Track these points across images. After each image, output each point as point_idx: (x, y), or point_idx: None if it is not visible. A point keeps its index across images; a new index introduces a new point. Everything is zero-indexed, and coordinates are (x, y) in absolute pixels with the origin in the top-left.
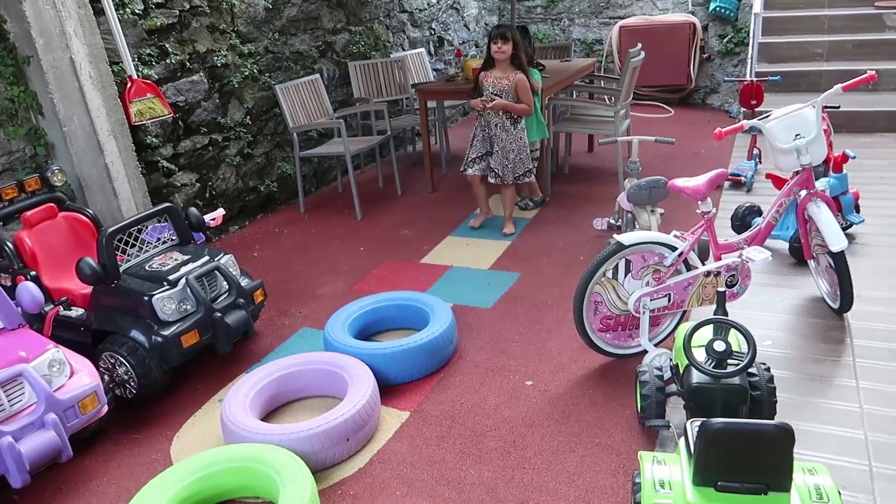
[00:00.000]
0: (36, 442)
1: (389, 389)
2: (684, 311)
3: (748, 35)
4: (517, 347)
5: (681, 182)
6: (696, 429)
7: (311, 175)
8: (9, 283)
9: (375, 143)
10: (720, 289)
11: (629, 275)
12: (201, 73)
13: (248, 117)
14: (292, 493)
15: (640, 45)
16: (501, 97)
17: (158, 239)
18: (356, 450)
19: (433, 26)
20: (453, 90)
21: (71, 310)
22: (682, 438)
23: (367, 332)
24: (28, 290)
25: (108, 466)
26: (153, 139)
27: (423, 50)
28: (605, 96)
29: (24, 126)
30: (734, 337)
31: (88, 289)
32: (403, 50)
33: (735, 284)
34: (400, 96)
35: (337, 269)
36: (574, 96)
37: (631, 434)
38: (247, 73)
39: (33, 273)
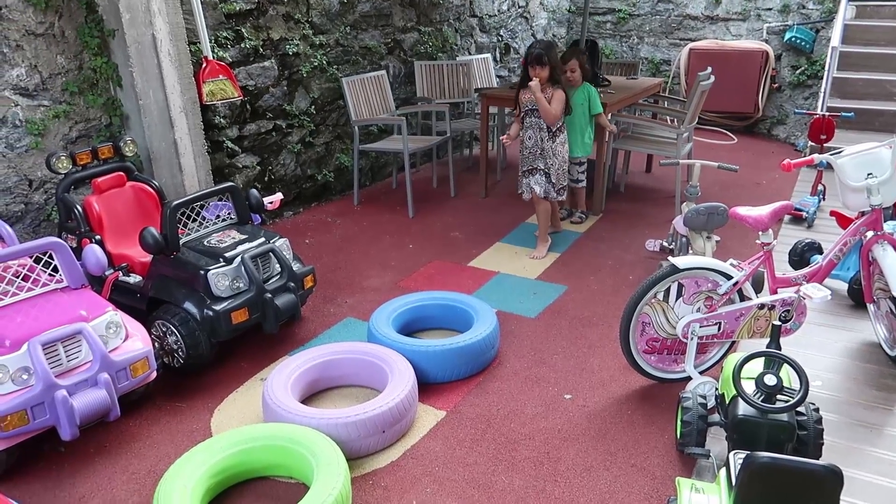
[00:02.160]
0: (88, 398)
1: (428, 387)
2: (733, 342)
3: (822, 68)
4: (558, 360)
5: (743, 210)
6: (741, 460)
7: (367, 169)
8: (74, 245)
9: (434, 144)
10: (775, 322)
11: (680, 299)
12: (273, 60)
13: (313, 107)
14: (327, 476)
15: (710, 69)
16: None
17: (217, 217)
18: (391, 443)
19: (501, 33)
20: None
21: (129, 276)
22: (724, 469)
23: (410, 328)
24: (94, 252)
25: (151, 431)
26: (221, 120)
27: (489, 55)
28: (669, 118)
29: (102, 96)
30: (786, 373)
31: (148, 257)
32: (470, 54)
33: (789, 320)
34: (462, 99)
35: (385, 264)
36: (637, 115)
37: (668, 459)
38: (316, 64)
39: (98, 237)
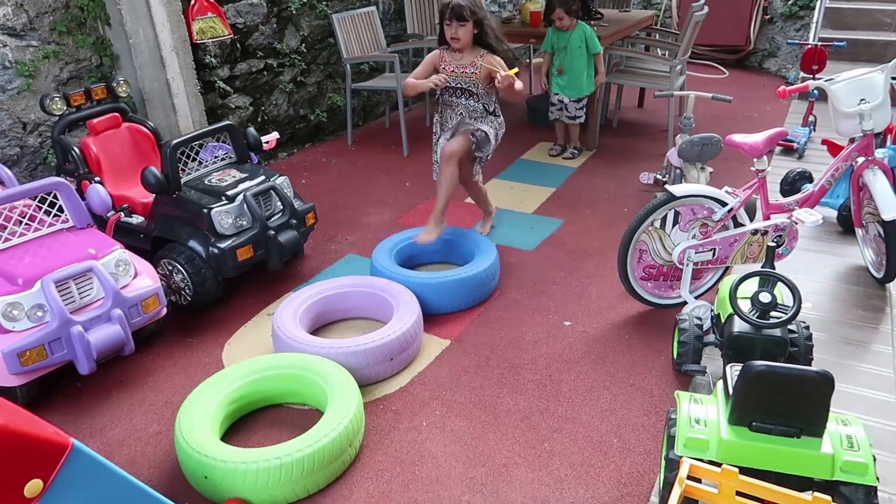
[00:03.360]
0: (103, 333)
1: (432, 318)
2: (727, 268)
3: None
4: (557, 290)
5: (738, 137)
6: (737, 371)
7: (359, 108)
8: (73, 187)
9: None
10: (770, 243)
11: (676, 226)
12: None
13: (304, 45)
14: (340, 401)
15: (702, 0)
16: (467, 90)
17: (214, 157)
18: (399, 370)
19: None
20: (508, 33)
21: (131, 217)
22: (721, 381)
23: (411, 262)
24: (98, 192)
25: (165, 365)
26: (212, 59)
27: None
28: (661, 50)
29: (91, 35)
30: (780, 291)
31: (149, 197)
32: None
33: (781, 245)
34: None
35: (383, 202)
36: (629, 48)
37: (665, 378)
38: (305, 0)
39: (97, 179)
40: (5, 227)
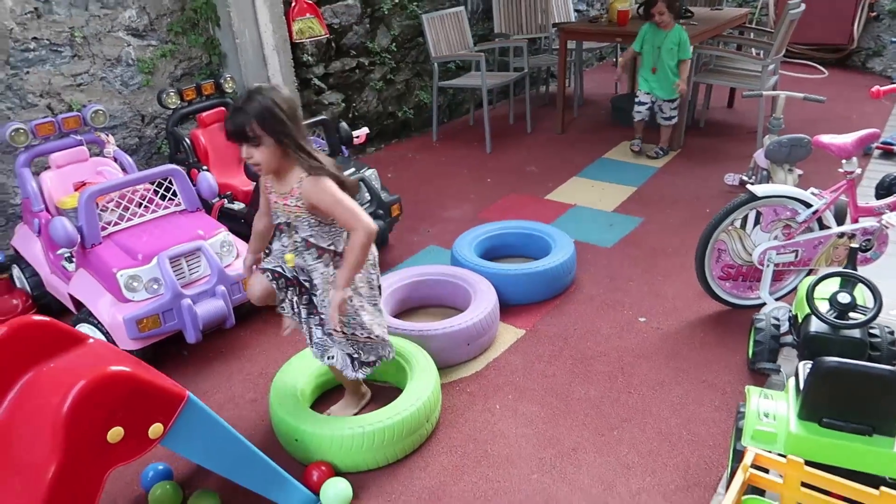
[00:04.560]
0: (209, 307)
1: (508, 308)
2: (810, 270)
3: None
4: (633, 286)
5: (827, 138)
6: (809, 367)
7: (444, 106)
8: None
9: (512, 80)
10: (853, 245)
11: (758, 227)
12: None
13: (394, 44)
14: (420, 379)
15: None
16: (293, 230)
17: None
18: (475, 355)
19: None
20: (596, 31)
21: (234, 203)
22: (793, 377)
23: (490, 255)
24: (207, 179)
25: (260, 339)
26: (309, 58)
27: None
28: (754, 50)
29: (202, 35)
30: (860, 293)
31: (249, 186)
32: None
33: (869, 249)
34: (539, 35)
35: (464, 197)
36: (720, 47)
37: (738, 377)
38: (397, 1)
39: (205, 167)
40: (128, 209)
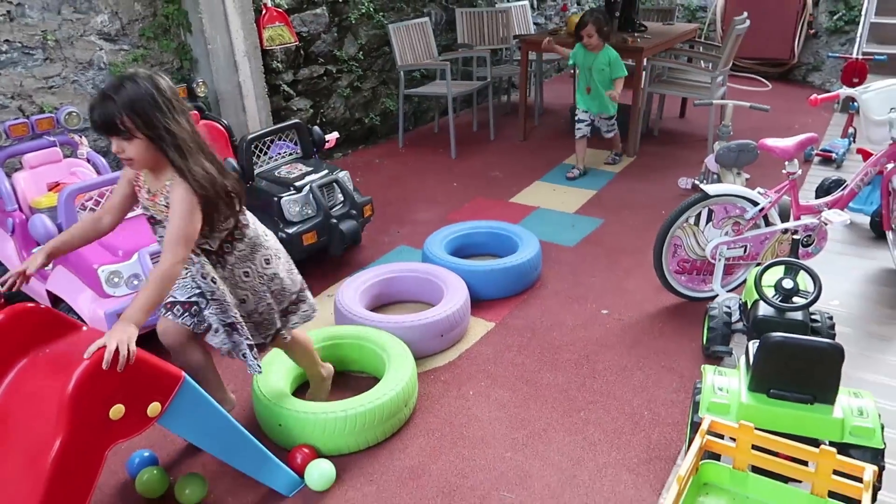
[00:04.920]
0: None
1: (479, 303)
2: (758, 264)
3: (860, 14)
4: (596, 282)
5: (771, 141)
6: (757, 343)
7: (410, 113)
8: None
9: (475, 88)
10: (796, 237)
11: (710, 223)
12: (324, 7)
13: (361, 52)
14: (397, 367)
15: (746, 14)
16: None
17: (279, 153)
18: (447, 346)
19: None
20: (556, 43)
21: None
22: (743, 356)
23: (460, 253)
24: None
25: None
26: (278, 64)
27: (526, 3)
28: (703, 62)
29: (174, 41)
30: (802, 280)
31: None
32: (509, 1)
33: (811, 245)
34: (501, 46)
35: (432, 200)
36: (672, 59)
37: (694, 362)
38: (364, 11)
39: None
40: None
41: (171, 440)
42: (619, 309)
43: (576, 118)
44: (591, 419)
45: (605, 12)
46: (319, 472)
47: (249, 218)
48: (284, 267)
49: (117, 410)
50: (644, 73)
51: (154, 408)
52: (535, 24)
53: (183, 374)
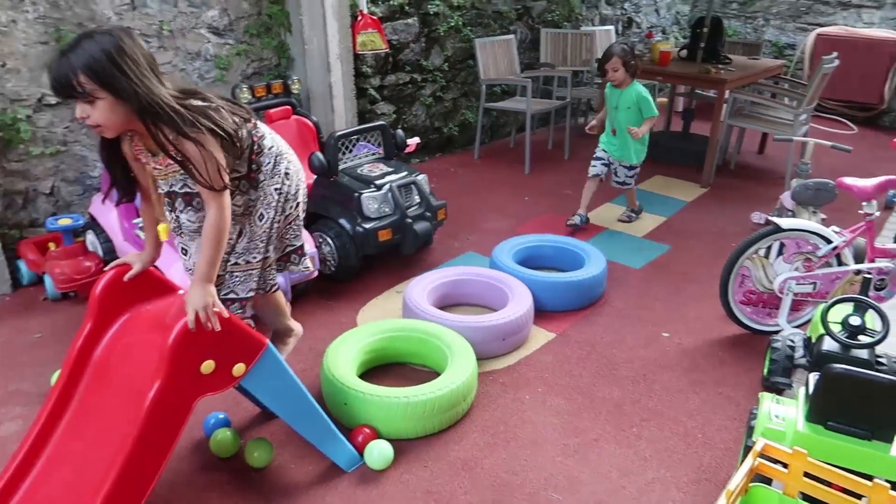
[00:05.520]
0: None
1: (541, 313)
2: None
3: None
4: (659, 305)
5: (850, 180)
6: (818, 374)
7: (487, 127)
8: None
9: (554, 107)
10: (867, 275)
11: (780, 257)
12: (415, 18)
13: (446, 64)
14: (459, 363)
15: (835, 54)
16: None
17: (362, 153)
18: (508, 351)
19: (625, 6)
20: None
21: None
22: (803, 387)
23: (526, 264)
24: None
25: (309, 320)
26: (367, 69)
27: (612, 28)
28: (787, 99)
29: (275, 39)
30: (871, 318)
31: (309, 179)
32: (594, 25)
33: (883, 288)
34: (582, 68)
35: (502, 211)
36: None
37: (752, 393)
38: (452, 24)
39: None
40: None
41: (243, 407)
42: (680, 334)
43: (594, 154)
44: (643, 435)
45: (632, 45)
46: (379, 452)
47: (263, 129)
48: (303, 191)
49: (208, 366)
50: (725, 105)
51: (239, 368)
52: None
53: (267, 340)
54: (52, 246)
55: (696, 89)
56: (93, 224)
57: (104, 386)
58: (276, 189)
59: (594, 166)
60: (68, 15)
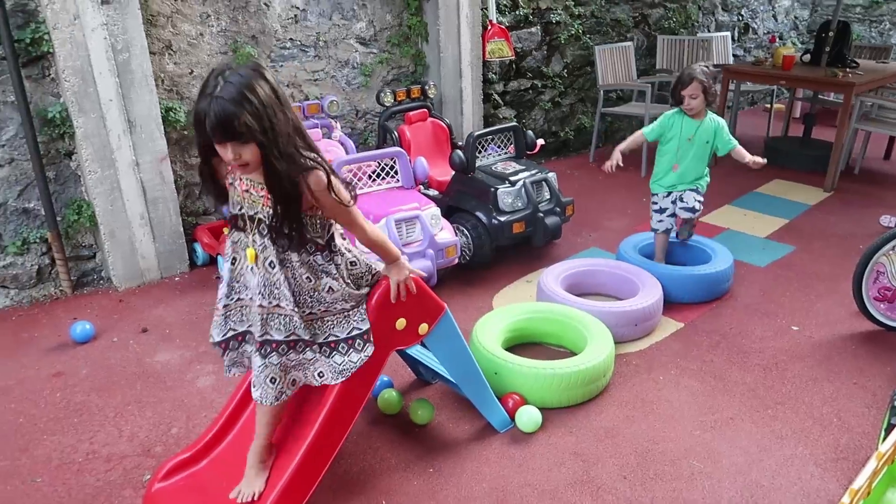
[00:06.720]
0: (419, 265)
1: (669, 305)
2: None
3: None
4: (786, 301)
5: None
6: None
7: (602, 131)
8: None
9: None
10: None
11: None
12: (538, 27)
13: (565, 70)
14: (598, 345)
15: None
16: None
17: (493, 152)
18: (640, 336)
19: (742, 12)
20: (760, 73)
21: (429, 190)
22: None
23: (651, 258)
24: (422, 164)
25: (456, 299)
26: (493, 75)
27: (727, 34)
28: None
29: (413, 48)
30: None
31: (443, 176)
32: (710, 31)
33: None
34: None
35: (621, 211)
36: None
37: (889, 384)
38: (573, 32)
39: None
40: (361, 179)
41: (402, 373)
42: (810, 328)
43: (654, 208)
44: (778, 416)
45: (713, 70)
46: (528, 416)
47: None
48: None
49: (401, 322)
50: (853, 110)
51: (423, 328)
52: (734, 55)
53: (445, 306)
54: (225, 231)
55: (818, 94)
56: None
57: None
58: (350, 262)
59: (661, 221)
60: (244, 28)
